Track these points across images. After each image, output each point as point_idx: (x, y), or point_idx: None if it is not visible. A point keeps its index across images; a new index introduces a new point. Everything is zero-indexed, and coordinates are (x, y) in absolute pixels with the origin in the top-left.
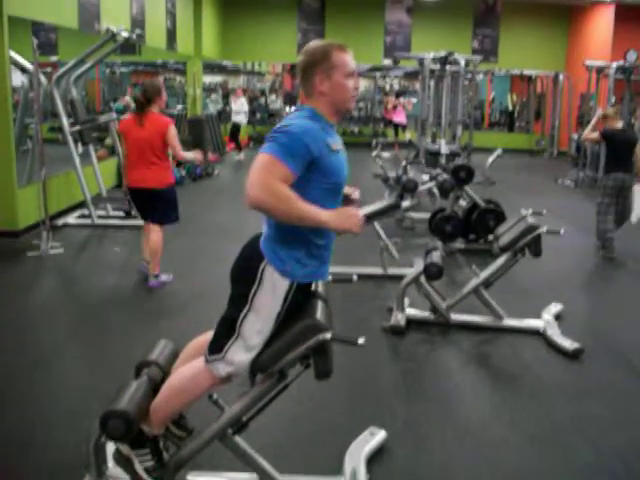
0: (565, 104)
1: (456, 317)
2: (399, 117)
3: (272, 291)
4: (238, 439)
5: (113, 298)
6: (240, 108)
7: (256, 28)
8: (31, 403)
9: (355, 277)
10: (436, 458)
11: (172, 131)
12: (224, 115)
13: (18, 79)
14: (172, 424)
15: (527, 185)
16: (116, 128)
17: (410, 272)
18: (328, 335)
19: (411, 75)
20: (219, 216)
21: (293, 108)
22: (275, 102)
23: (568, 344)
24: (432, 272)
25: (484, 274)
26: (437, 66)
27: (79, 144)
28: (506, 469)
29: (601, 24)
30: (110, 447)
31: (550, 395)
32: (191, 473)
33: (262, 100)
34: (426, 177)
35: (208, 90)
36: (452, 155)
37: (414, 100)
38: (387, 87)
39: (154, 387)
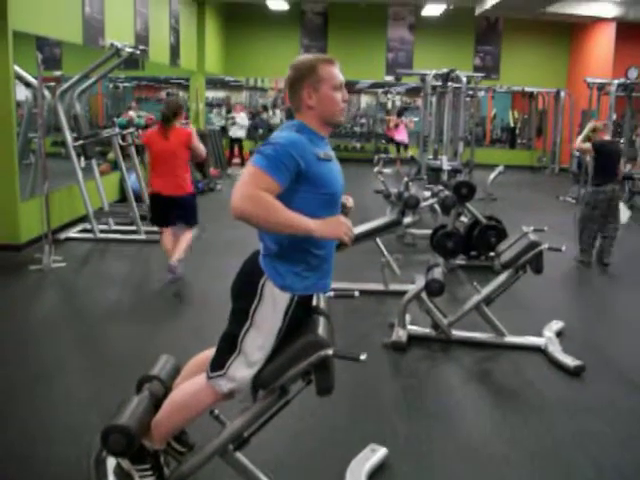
0: (566, 121)
1: (457, 334)
2: (401, 135)
3: (273, 306)
4: (239, 455)
5: (115, 312)
6: (241, 123)
7: (259, 44)
8: (32, 417)
9: (357, 293)
10: (437, 475)
11: (195, 136)
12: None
13: (22, 93)
14: (173, 439)
15: (528, 202)
16: (140, 140)
17: (411, 288)
18: (330, 351)
19: (413, 91)
20: (222, 231)
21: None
22: (273, 117)
23: (570, 361)
24: (433, 288)
25: (485, 291)
26: (439, 83)
27: (82, 158)
28: None
29: (602, 41)
30: (111, 462)
31: (551, 412)
32: None
33: (264, 115)
34: (428, 193)
35: (211, 105)
36: (454, 171)
37: (416, 119)
38: (389, 104)
39: (156, 402)
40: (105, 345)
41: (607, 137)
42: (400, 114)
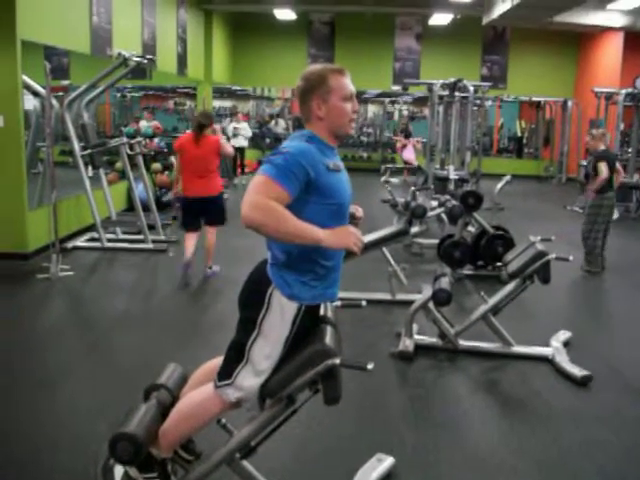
0: (574, 130)
1: (464, 343)
2: (408, 154)
3: (280, 315)
4: (246, 463)
5: (122, 321)
6: (244, 135)
7: (266, 53)
8: (38, 425)
9: (364, 302)
10: None
11: (223, 141)
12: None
13: (30, 103)
14: (180, 448)
15: (536, 211)
16: (173, 146)
17: (419, 298)
18: (337, 361)
19: (420, 101)
20: (230, 240)
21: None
22: (277, 127)
23: (577, 371)
24: (441, 298)
25: (493, 300)
26: (446, 92)
27: (90, 167)
28: None
29: (610, 51)
30: (118, 470)
31: (558, 422)
32: None
33: (271, 125)
34: (435, 203)
35: (220, 115)
36: (461, 181)
37: (424, 140)
38: (396, 115)
39: (163, 411)
40: (112, 354)
41: (602, 146)
42: (407, 135)
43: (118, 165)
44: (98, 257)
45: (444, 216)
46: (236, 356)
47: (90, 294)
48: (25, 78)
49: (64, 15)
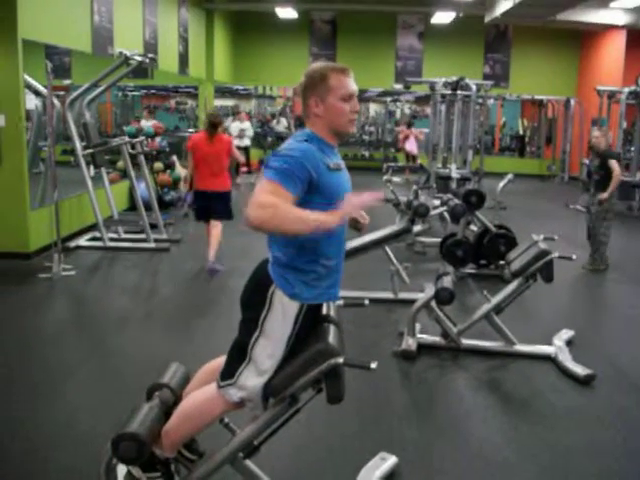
0: (576, 129)
1: (467, 342)
2: (411, 145)
3: (282, 315)
4: (249, 463)
5: (124, 320)
6: (249, 135)
7: (268, 52)
8: (38, 426)
9: (367, 301)
10: None
11: (233, 145)
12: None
13: (32, 102)
14: (183, 447)
15: (538, 210)
16: (187, 144)
17: (421, 297)
18: (340, 359)
19: (422, 100)
20: (234, 239)
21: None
22: (278, 125)
23: (580, 370)
24: (443, 297)
25: (495, 299)
26: (448, 91)
27: (91, 167)
28: None
29: (612, 49)
30: (121, 470)
31: (561, 421)
32: None
33: (273, 123)
34: (437, 202)
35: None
36: (463, 180)
37: (426, 130)
38: (398, 113)
39: (166, 410)
40: (114, 353)
41: (602, 145)
42: (409, 125)
43: (120, 164)
44: (100, 257)
45: (446, 215)
46: (238, 356)
47: (92, 294)
48: (26, 77)
49: (65, 14)
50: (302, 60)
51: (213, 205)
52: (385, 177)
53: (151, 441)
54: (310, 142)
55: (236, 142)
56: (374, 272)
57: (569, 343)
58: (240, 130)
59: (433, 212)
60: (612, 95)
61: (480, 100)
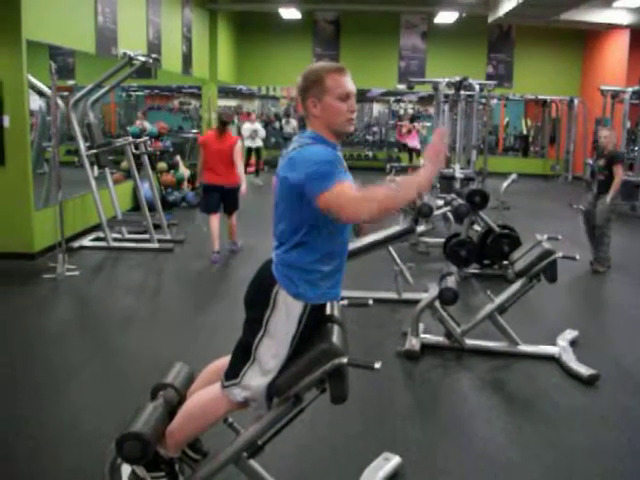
0: (580, 129)
1: (471, 342)
2: (413, 141)
3: (286, 314)
4: (253, 462)
5: (128, 320)
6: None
7: (271, 52)
8: (42, 424)
9: (371, 301)
10: None
11: (238, 146)
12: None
13: (36, 103)
14: (188, 447)
15: (542, 210)
16: (198, 141)
17: (425, 297)
18: (344, 359)
19: (425, 100)
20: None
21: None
22: (287, 126)
23: (583, 370)
24: (447, 297)
25: (499, 299)
26: (451, 91)
27: (95, 167)
28: None
29: (616, 49)
30: (126, 469)
31: (565, 421)
32: None
33: (276, 124)
34: (441, 202)
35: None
36: (466, 180)
37: (428, 124)
38: (401, 111)
39: (170, 410)
40: (118, 353)
41: (610, 146)
42: (412, 120)
43: (124, 165)
44: (104, 257)
45: (450, 215)
46: (243, 356)
47: (96, 294)
48: (30, 78)
49: (69, 15)
50: (305, 60)
51: (222, 198)
52: (388, 177)
53: (155, 441)
54: (319, 143)
55: (248, 143)
56: (378, 272)
57: (573, 343)
58: (252, 131)
59: (437, 212)
60: (616, 95)
61: (483, 100)
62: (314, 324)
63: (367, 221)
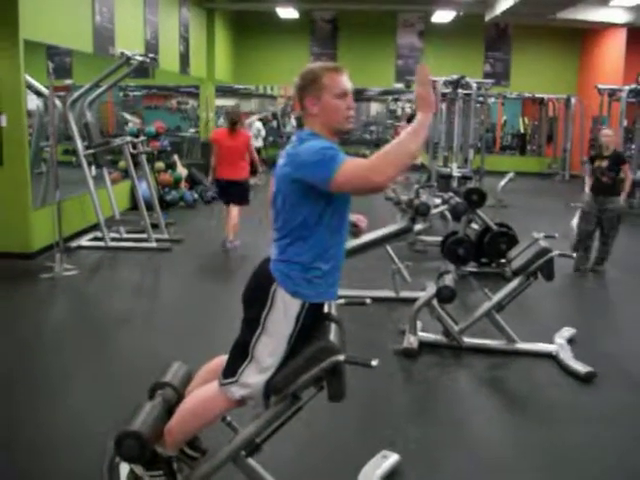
0: (577, 127)
1: (468, 340)
2: None
3: (284, 313)
4: (251, 461)
5: (126, 320)
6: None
7: (268, 52)
8: (40, 426)
9: (368, 300)
10: None
11: (251, 142)
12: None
13: (33, 102)
14: (186, 445)
15: (539, 208)
16: (210, 138)
17: (422, 295)
18: (342, 357)
19: None
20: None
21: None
22: (287, 125)
23: (581, 368)
24: (444, 295)
25: (496, 297)
26: (449, 89)
27: (93, 167)
28: None
29: (613, 47)
30: (124, 468)
31: (563, 419)
32: None
33: (274, 123)
34: (438, 200)
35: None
36: (464, 178)
37: None
38: (399, 111)
39: (168, 409)
40: (116, 352)
41: (612, 147)
42: (410, 120)
43: (121, 164)
44: (102, 256)
45: (447, 213)
46: (240, 354)
47: (94, 293)
48: (28, 78)
49: (67, 14)
50: (303, 59)
51: (232, 192)
52: None
53: (153, 439)
54: (316, 140)
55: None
56: (375, 271)
57: (570, 341)
58: (257, 130)
59: (434, 211)
60: (613, 93)
61: (481, 99)
62: (312, 322)
63: (394, 178)
